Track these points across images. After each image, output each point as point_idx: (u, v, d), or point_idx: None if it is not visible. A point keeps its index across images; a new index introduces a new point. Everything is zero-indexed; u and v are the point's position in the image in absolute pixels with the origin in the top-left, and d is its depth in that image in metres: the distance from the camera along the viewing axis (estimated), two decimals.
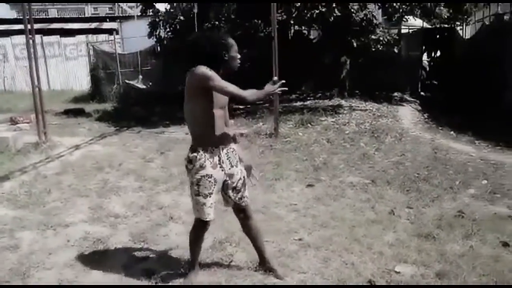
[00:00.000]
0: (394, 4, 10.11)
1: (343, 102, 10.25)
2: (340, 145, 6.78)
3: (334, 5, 9.14)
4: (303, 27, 11.51)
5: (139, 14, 15.68)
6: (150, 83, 13.29)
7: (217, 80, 2.49)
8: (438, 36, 12.40)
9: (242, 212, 2.85)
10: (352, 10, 9.38)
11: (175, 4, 11.86)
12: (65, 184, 5.08)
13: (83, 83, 16.87)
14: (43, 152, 6.58)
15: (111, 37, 15.54)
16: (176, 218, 3.96)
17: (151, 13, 12.35)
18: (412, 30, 12.30)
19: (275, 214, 4.07)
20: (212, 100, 2.58)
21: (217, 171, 2.65)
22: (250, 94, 2.52)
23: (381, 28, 10.57)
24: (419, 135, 7.55)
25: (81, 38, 17.89)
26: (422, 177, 5.06)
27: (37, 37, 9.07)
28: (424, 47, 12.26)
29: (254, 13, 9.99)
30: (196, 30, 9.50)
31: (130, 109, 11.00)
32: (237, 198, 2.77)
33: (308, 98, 11.07)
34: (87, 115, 10.75)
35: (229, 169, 2.70)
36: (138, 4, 14.67)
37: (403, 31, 12.07)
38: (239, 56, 2.66)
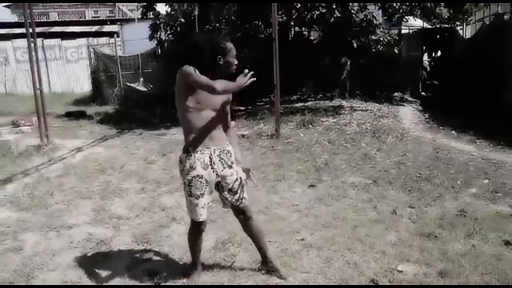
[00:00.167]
0: (394, 4, 10.11)
1: (344, 102, 10.26)
2: (341, 146, 6.79)
3: (334, 6, 9.16)
4: (303, 28, 11.52)
5: (139, 17, 15.73)
6: (151, 86, 13.30)
7: (194, 75, 2.50)
8: (438, 36, 12.39)
9: (241, 213, 2.85)
10: (352, 11, 9.39)
11: (175, 6, 11.90)
12: (68, 186, 5.10)
13: (84, 86, 16.96)
14: (45, 155, 6.61)
15: (112, 40, 15.57)
16: (178, 219, 3.96)
17: (151, 16, 12.39)
18: (412, 30, 12.30)
19: (277, 214, 4.08)
20: (199, 100, 2.58)
21: (208, 172, 2.64)
22: (220, 86, 2.49)
23: (381, 29, 10.56)
24: (420, 135, 7.56)
25: (82, 41, 17.96)
26: (423, 177, 5.07)
27: (38, 40, 9.09)
28: (424, 47, 12.27)
29: (254, 15, 10.02)
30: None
31: (131, 111, 11.03)
32: (234, 200, 2.76)
33: (309, 99, 11.07)
34: (88, 118, 10.79)
35: (222, 170, 2.68)
36: (139, 7, 14.71)
37: (403, 31, 12.08)
38: (236, 62, 2.66)
